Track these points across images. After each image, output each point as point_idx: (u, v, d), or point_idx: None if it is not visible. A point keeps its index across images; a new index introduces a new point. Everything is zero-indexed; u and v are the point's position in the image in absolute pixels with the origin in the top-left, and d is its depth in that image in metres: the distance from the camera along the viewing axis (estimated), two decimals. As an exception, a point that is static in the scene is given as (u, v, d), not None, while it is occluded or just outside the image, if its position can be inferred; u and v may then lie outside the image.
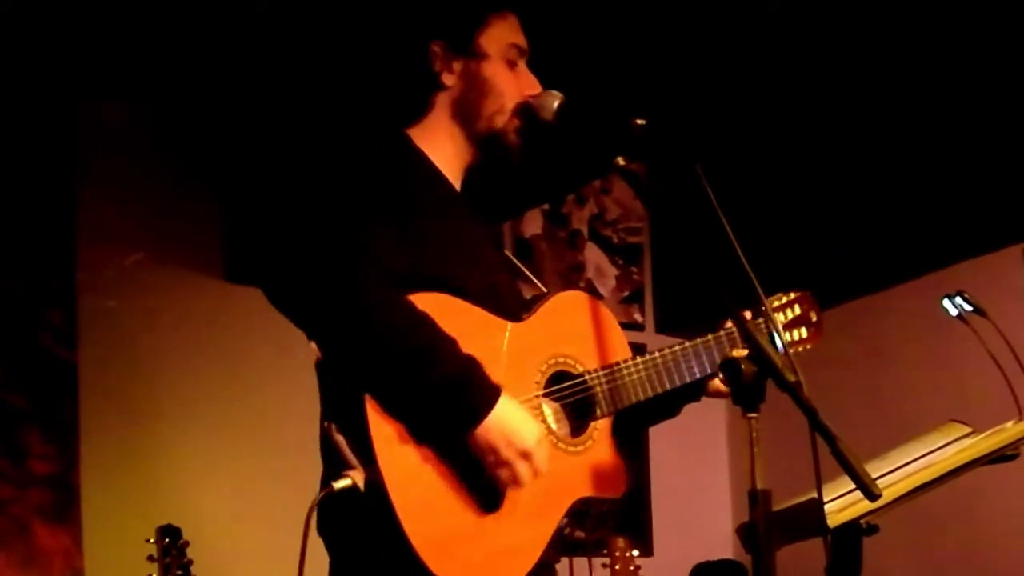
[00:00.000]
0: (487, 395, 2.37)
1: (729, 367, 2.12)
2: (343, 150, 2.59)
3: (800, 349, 2.92)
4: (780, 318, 2.90)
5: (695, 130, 4.79)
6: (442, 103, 2.69)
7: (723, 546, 6.13)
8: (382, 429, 2.35)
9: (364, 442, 2.35)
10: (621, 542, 4.27)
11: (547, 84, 2.72)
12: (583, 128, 2.63)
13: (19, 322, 4.87)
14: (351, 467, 2.38)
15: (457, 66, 2.66)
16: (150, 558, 3.93)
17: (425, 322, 2.37)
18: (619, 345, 2.72)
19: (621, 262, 6.84)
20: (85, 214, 5.04)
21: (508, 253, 2.85)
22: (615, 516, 6.13)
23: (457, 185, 2.73)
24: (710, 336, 2.77)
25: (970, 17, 4.89)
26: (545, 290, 2.75)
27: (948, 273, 5.51)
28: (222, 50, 4.90)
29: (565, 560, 5.28)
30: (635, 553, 4.27)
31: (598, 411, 2.60)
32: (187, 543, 3.95)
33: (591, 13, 4.81)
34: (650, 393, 2.65)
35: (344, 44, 4.66)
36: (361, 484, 2.37)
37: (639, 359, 2.68)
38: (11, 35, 4.77)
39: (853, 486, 2.09)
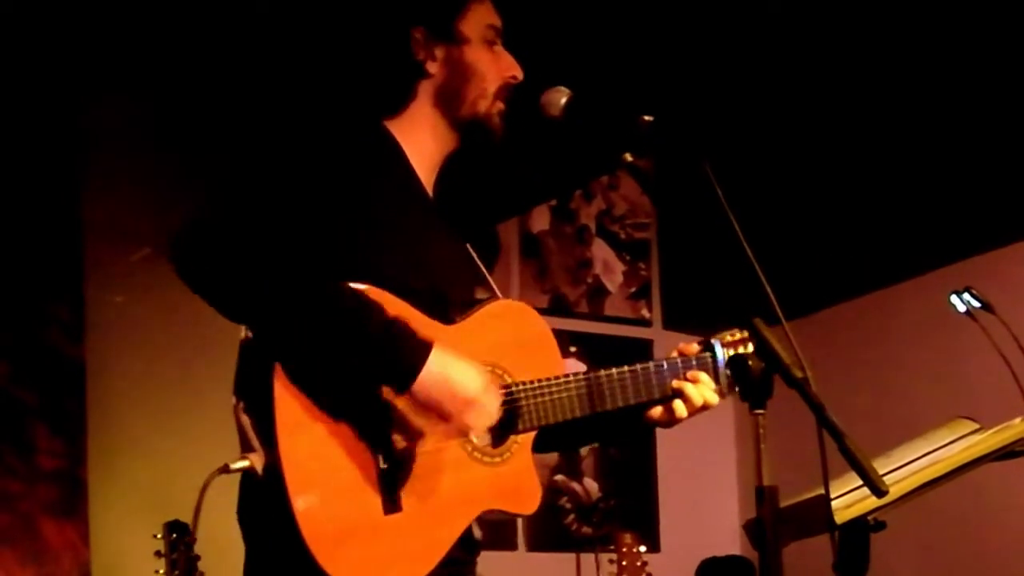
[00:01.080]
0: (419, 350, 2.32)
1: (737, 363, 2.12)
2: (310, 139, 2.56)
3: None
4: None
5: (703, 126, 4.78)
6: (424, 91, 2.67)
7: (730, 542, 6.13)
8: (289, 410, 2.31)
9: (268, 424, 2.31)
10: (628, 538, 4.26)
11: (554, 80, 2.71)
12: (591, 124, 2.62)
13: (27, 318, 4.88)
14: (253, 449, 2.35)
15: (440, 53, 2.65)
16: (157, 553, 3.93)
17: (349, 292, 2.35)
18: (554, 361, 2.64)
19: (628, 258, 6.84)
20: (91, 210, 5.04)
21: (474, 254, 2.76)
22: (623, 512, 6.14)
23: (431, 177, 2.70)
24: (651, 364, 2.67)
25: (980, 12, 4.88)
26: (499, 296, 2.70)
27: (956, 269, 5.50)
28: (226, 45, 4.91)
29: (572, 556, 5.28)
30: (642, 549, 4.26)
31: (520, 425, 2.54)
32: (194, 539, 3.95)
33: (599, 9, 4.81)
34: (577, 414, 2.59)
35: (327, 33, 4.65)
36: (259, 467, 2.33)
37: (572, 377, 2.61)
38: (16, 31, 4.77)
39: (860, 482, 2.08)
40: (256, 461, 2.35)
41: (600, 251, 6.76)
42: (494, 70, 2.66)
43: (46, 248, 4.94)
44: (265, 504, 2.33)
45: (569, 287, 6.56)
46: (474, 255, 2.76)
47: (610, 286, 6.75)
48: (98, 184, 5.06)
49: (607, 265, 6.77)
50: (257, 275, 2.34)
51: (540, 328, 2.67)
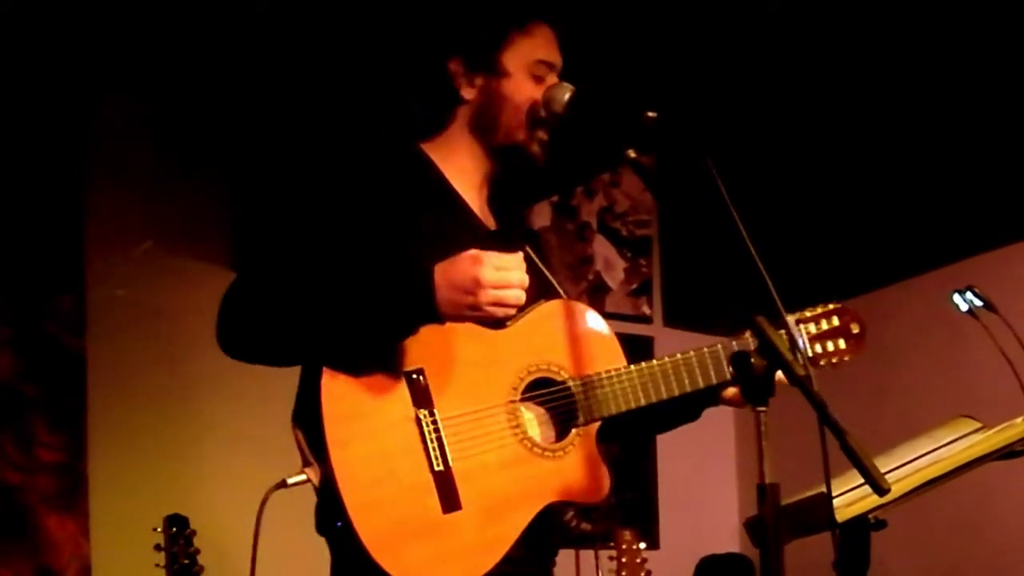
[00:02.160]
0: (422, 274, 2.36)
1: (739, 360, 2.12)
2: (346, 156, 2.63)
3: (834, 360, 2.86)
4: (811, 329, 2.83)
5: (705, 123, 4.78)
6: (462, 116, 2.70)
7: (730, 540, 6.12)
8: (338, 423, 2.38)
9: (319, 437, 2.38)
10: (628, 535, 4.27)
11: (559, 76, 2.71)
12: (593, 120, 2.63)
13: (28, 311, 4.88)
14: (310, 463, 2.42)
15: (478, 81, 2.68)
16: (157, 547, 3.93)
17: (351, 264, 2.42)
18: (612, 353, 2.69)
19: (630, 255, 6.83)
20: (94, 203, 5.04)
21: (542, 267, 2.80)
22: (622, 509, 6.14)
23: (477, 195, 2.74)
24: (705, 348, 2.70)
25: (980, 12, 4.88)
26: (562, 295, 2.75)
27: (958, 267, 5.50)
28: (232, 40, 4.91)
29: (571, 552, 5.28)
30: (642, 546, 4.27)
31: (581, 417, 2.58)
32: (194, 532, 3.96)
33: (602, 5, 4.80)
34: (635, 404, 2.63)
35: (361, 50, 4.67)
36: (316, 480, 2.40)
37: (631, 368, 2.65)
38: (20, 25, 4.77)
39: (862, 481, 2.08)
40: (312, 475, 2.41)
41: (601, 248, 6.76)
42: (534, 101, 2.66)
43: (47, 240, 4.94)
44: (332, 514, 2.40)
45: (570, 284, 6.55)
46: (535, 258, 2.77)
47: (611, 283, 6.74)
48: (100, 177, 5.06)
49: (608, 262, 6.77)
50: (284, 310, 2.41)
51: (594, 323, 2.70)
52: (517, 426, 2.53)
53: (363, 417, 2.41)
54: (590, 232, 6.74)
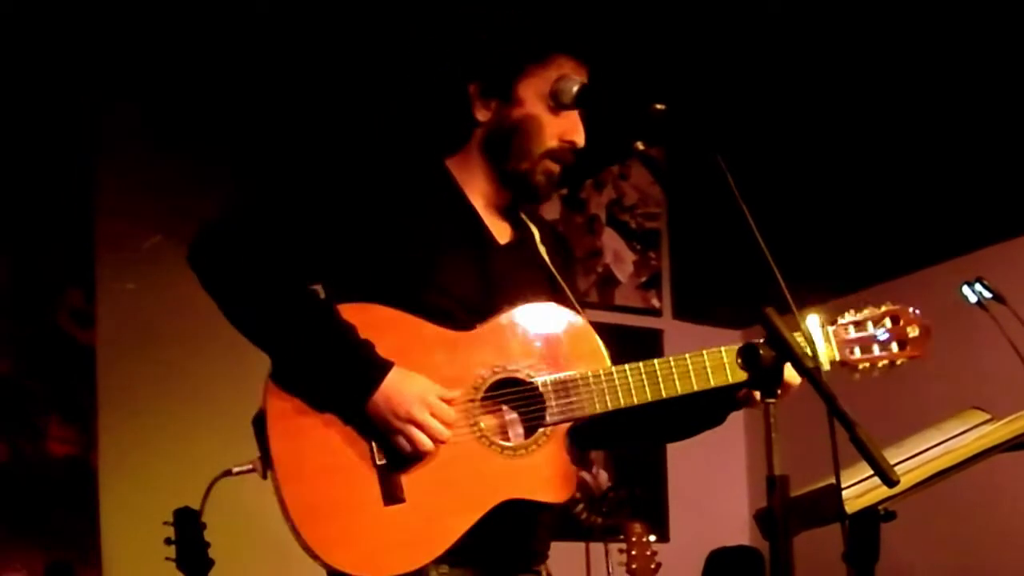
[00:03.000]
0: (373, 372, 2.44)
1: (747, 352, 2.12)
2: (351, 155, 2.69)
3: (880, 365, 2.77)
4: (848, 333, 2.76)
5: (714, 115, 4.78)
6: (477, 137, 2.72)
7: (739, 532, 6.12)
8: (280, 417, 2.46)
9: (262, 430, 2.47)
10: (638, 527, 4.27)
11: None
12: (602, 112, 2.63)
13: (38, 305, 4.90)
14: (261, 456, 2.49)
15: (492, 105, 2.69)
16: (167, 540, 3.93)
17: (328, 313, 2.49)
18: (591, 356, 2.66)
19: (639, 247, 6.83)
20: (104, 198, 5.06)
21: (553, 270, 2.79)
22: (632, 502, 6.14)
23: (491, 213, 2.75)
24: (692, 355, 2.67)
25: (987, 6, 4.88)
26: (579, 310, 2.73)
27: (967, 259, 5.50)
28: (238, 37, 4.92)
29: (582, 545, 5.29)
30: (652, 538, 4.28)
31: (548, 418, 2.56)
32: (204, 525, 3.96)
33: (610, -2, 4.81)
34: (611, 407, 2.60)
35: (384, 58, 4.69)
36: (261, 471, 2.47)
37: (610, 370, 2.62)
38: (34, 21, 4.78)
39: (871, 472, 2.08)
40: (259, 465, 2.49)
41: (610, 241, 6.76)
42: (546, 133, 2.67)
43: (58, 235, 4.95)
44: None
45: (579, 277, 6.56)
46: (547, 261, 2.78)
47: (620, 276, 6.75)
48: (110, 172, 5.07)
49: (617, 255, 6.77)
50: (253, 285, 2.52)
51: (574, 327, 2.68)
52: (474, 424, 2.52)
53: (309, 412, 2.47)
54: (599, 225, 6.74)
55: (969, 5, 4.91)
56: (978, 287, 3.82)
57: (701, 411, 2.79)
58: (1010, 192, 5.43)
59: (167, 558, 3.92)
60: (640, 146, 2.51)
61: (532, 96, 2.67)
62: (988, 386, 4.79)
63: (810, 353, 2.17)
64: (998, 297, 3.79)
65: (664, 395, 2.63)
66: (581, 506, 5.17)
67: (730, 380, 2.65)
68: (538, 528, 2.66)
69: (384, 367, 2.45)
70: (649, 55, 5.06)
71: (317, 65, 4.98)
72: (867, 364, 2.76)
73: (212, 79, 5.15)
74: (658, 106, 2.44)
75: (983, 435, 2.89)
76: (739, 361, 2.10)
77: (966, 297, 3.84)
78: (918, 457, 2.84)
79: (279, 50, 4.98)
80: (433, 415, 2.46)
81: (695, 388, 2.65)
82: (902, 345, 2.78)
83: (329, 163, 2.69)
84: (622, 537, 4.29)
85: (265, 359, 2.53)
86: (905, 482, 2.67)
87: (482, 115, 2.70)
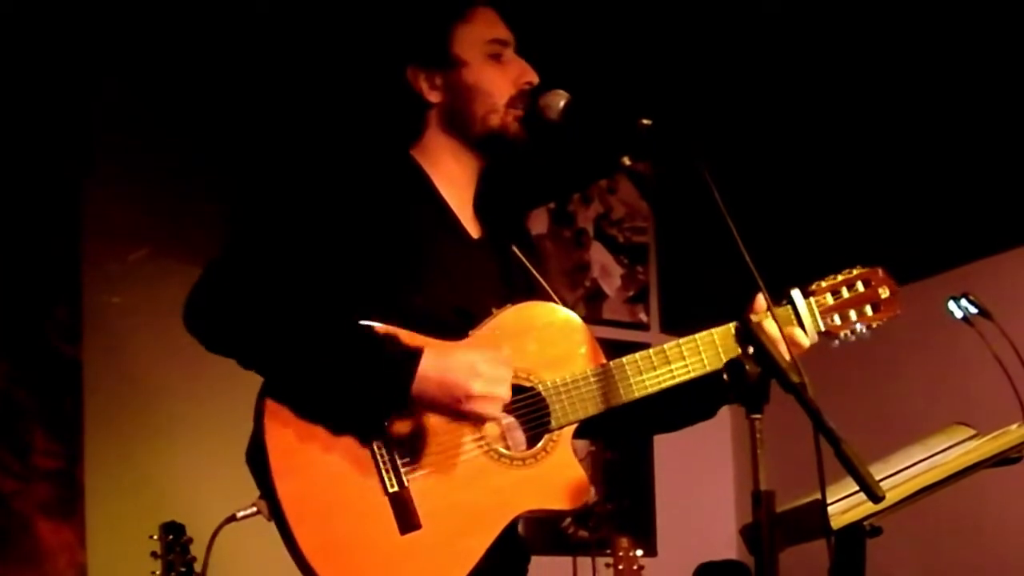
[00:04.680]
0: (407, 360, 2.36)
1: (733, 367, 2.12)
2: (331, 174, 2.60)
3: (858, 329, 2.81)
4: (827, 299, 2.78)
5: (701, 130, 4.78)
6: (434, 118, 2.68)
7: (727, 547, 6.12)
8: (283, 455, 2.36)
9: (264, 470, 2.37)
10: (625, 542, 4.27)
11: (553, 84, 2.71)
12: (589, 127, 2.62)
13: (25, 318, 4.88)
14: (263, 496, 2.39)
15: (439, 80, 2.66)
16: (153, 554, 3.92)
17: (342, 320, 2.40)
18: (587, 353, 2.62)
19: (626, 261, 6.84)
20: (90, 210, 5.04)
21: (532, 270, 2.76)
22: (619, 516, 6.14)
23: (464, 197, 2.71)
24: (681, 340, 2.66)
25: (976, 17, 4.89)
26: (556, 300, 2.70)
27: (954, 275, 5.51)
28: (229, 49, 4.92)
29: (568, 559, 5.28)
30: (639, 553, 4.27)
31: (552, 423, 2.52)
32: (190, 540, 3.95)
33: (597, 12, 4.81)
34: (614, 404, 2.57)
35: (342, 59, 4.68)
36: (266, 513, 2.37)
37: (608, 365, 2.59)
38: (17, 29, 4.77)
39: (857, 488, 2.08)
40: (263, 507, 2.38)
41: (598, 255, 6.76)
42: (502, 82, 2.65)
43: (44, 248, 4.94)
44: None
45: (567, 291, 6.56)
46: (524, 262, 2.75)
47: (608, 290, 6.75)
48: (97, 184, 5.06)
49: (605, 269, 6.77)
50: (258, 323, 2.40)
51: (567, 323, 2.64)
52: (481, 437, 2.47)
53: (310, 444, 2.38)
54: (587, 239, 6.74)
55: (954, 19, 4.93)
56: (964, 302, 3.83)
57: (693, 402, 2.76)
58: (996, 207, 5.44)
59: (153, 572, 3.91)
60: (627, 161, 2.52)
61: (471, 53, 2.64)
62: (973, 402, 4.80)
63: (797, 364, 2.17)
64: (984, 312, 3.80)
65: (663, 385, 2.61)
66: (568, 520, 5.17)
67: (723, 359, 2.63)
68: (520, 544, 2.63)
69: (416, 351, 2.36)
70: (634, 70, 5.07)
71: (305, 74, 4.98)
72: (847, 331, 2.79)
73: (199, 93, 5.15)
74: (644, 121, 2.45)
75: (968, 451, 2.90)
76: (725, 377, 2.11)
77: (952, 312, 3.84)
78: (903, 473, 2.84)
79: (264, 64, 4.98)
80: (489, 382, 2.37)
81: (695, 372, 2.63)
82: (876, 307, 2.84)
83: (300, 181, 2.61)
84: (609, 551, 4.28)
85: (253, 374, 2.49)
86: (890, 498, 2.67)
87: (434, 96, 2.66)
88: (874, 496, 2.07)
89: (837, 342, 2.79)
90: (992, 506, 5.35)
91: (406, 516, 2.38)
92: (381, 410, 2.39)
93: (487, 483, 2.45)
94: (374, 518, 2.37)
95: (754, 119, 5.73)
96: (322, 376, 2.38)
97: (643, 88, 5.01)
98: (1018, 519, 5.39)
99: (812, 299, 2.76)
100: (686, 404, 2.76)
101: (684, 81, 5.25)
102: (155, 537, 3.94)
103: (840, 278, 2.81)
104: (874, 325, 2.84)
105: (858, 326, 2.81)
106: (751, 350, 2.11)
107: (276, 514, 2.35)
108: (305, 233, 2.50)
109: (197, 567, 3.94)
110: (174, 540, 3.94)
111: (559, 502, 2.52)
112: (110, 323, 5.03)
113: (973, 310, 3.81)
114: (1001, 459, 2.92)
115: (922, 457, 2.92)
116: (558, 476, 2.52)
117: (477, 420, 2.41)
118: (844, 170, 5.91)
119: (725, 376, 2.13)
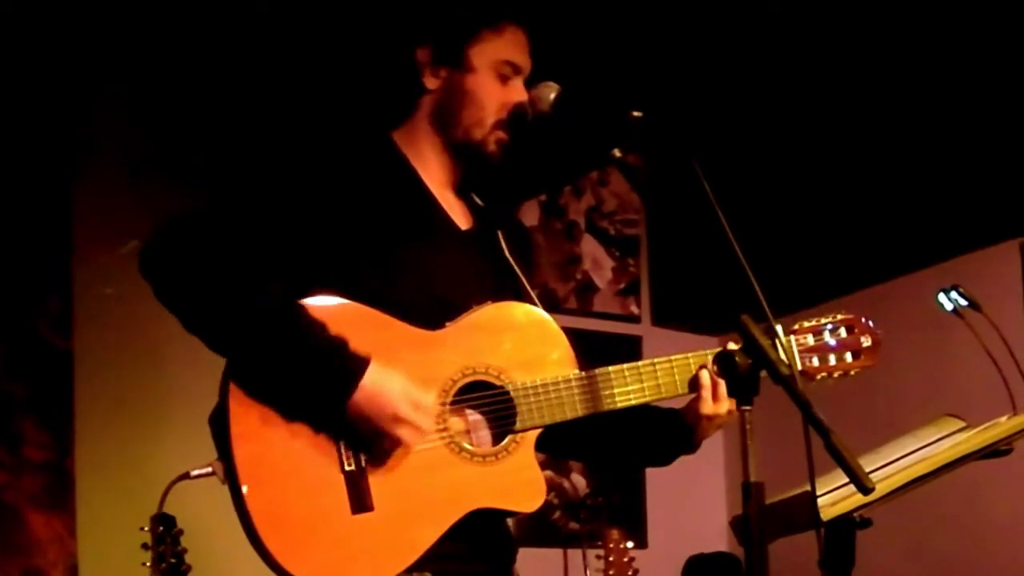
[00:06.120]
0: (351, 370, 2.35)
1: (723, 359, 2.13)
2: (311, 151, 2.59)
3: (836, 375, 2.80)
4: (807, 340, 2.76)
5: (692, 122, 4.79)
6: (425, 106, 2.67)
7: (717, 538, 6.13)
8: (243, 419, 2.36)
9: (224, 433, 2.37)
10: (615, 534, 4.27)
11: (544, 76, 2.71)
12: (580, 120, 2.62)
13: (16, 310, 4.87)
14: (220, 458, 2.39)
15: (443, 73, 2.64)
16: (144, 546, 3.92)
17: (299, 312, 2.39)
18: (562, 358, 2.62)
19: (618, 254, 6.84)
20: (82, 202, 5.04)
21: (512, 262, 2.75)
22: (610, 508, 6.15)
23: (446, 194, 2.70)
24: (657, 360, 2.65)
25: (969, 13, 4.89)
26: (533, 297, 2.71)
27: (944, 267, 5.51)
28: (219, 42, 4.92)
29: (559, 552, 5.28)
30: (629, 545, 4.27)
31: (518, 424, 2.51)
32: (181, 531, 3.95)
33: (588, 3, 4.81)
34: (581, 412, 2.57)
35: (336, 42, 4.66)
36: (221, 475, 2.37)
37: (581, 374, 2.59)
38: (12, 26, 4.77)
39: (847, 479, 2.09)
40: (218, 468, 2.39)
41: (589, 247, 6.76)
42: (497, 101, 2.64)
43: (36, 240, 4.93)
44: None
45: (558, 283, 6.56)
46: (506, 253, 2.73)
47: (599, 282, 6.75)
48: (88, 176, 5.06)
49: (596, 261, 6.77)
50: (211, 288, 2.42)
51: (543, 326, 2.64)
52: (444, 429, 2.46)
53: (273, 412, 2.38)
54: (578, 231, 6.74)
55: (943, 15, 4.93)
56: (954, 295, 3.83)
57: (652, 442, 2.78)
58: (986, 200, 5.45)
59: (143, 564, 3.91)
60: (618, 153, 2.51)
61: (483, 63, 2.63)
62: (963, 394, 4.80)
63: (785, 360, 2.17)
64: (974, 305, 3.80)
65: (633, 401, 2.60)
66: (559, 512, 5.17)
67: (677, 393, 2.63)
68: (505, 532, 2.64)
69: (362, 364, 2.36)
70: (625, 62, 5.07)
71: (292, 62, 4.98)
72: (824, 374, 2.78)
73: (187, 84, 5.14)
74: (635, 113, 2.45)
75: (958, 442, 2.91)
76: (715, 368, 2.11)
77: (942, 305, 3.85)
78: (893, 464, 2.86)
79: (262, 59, 4.97)
80: (416, 410, 2.38)
81: (649, 398, 2.62)
82: (856, 355, 2.80)
83: (280, 157, 2.60)
84: (600, 543, 4.29)
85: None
86: (880, 489, 2.69)
87: (431, 83, 2.64)
88: (864, 488, 2.08)
89: (812, 383, 2.78)
90: (982, 498, 5.36)
91: (360, 496, 2.38)
92: (320, 405, 2.39)
93: (444, 475, 2.45)
94: (327, 493, 2.36)
95: (745, 111, 5.73)
96: (263, 361, 2.39)
97: (634, 80, 5.01)
98: (1008, 510, 5.40)
99: (792, 337, 2.75)
100: (644, 442, 2.78)
101: (675, 73, 5.25)
102: (146, 529, 3.94)
103: (824, 321, 2.80)
104: (851, 372, 2.82)
105: (836, 372, 2.79)
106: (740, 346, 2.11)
107: (230, 476, 2.35)
108: (280, 207, 2.49)
109: (188, 559, 3.95)
110: (164, 532, 3.94)
111: (513, 503, 2.52)
112: (102, 315, 5.03)
113: (963, 303, 3.81)
114: (991, 451, 2.94)
115: (912, 449, 2.93)
116: (516, 477, 2.52)
117: (395, 443, 2.40)
118: (835, 163, 5.92)
119: (716, 368, 2.13)
